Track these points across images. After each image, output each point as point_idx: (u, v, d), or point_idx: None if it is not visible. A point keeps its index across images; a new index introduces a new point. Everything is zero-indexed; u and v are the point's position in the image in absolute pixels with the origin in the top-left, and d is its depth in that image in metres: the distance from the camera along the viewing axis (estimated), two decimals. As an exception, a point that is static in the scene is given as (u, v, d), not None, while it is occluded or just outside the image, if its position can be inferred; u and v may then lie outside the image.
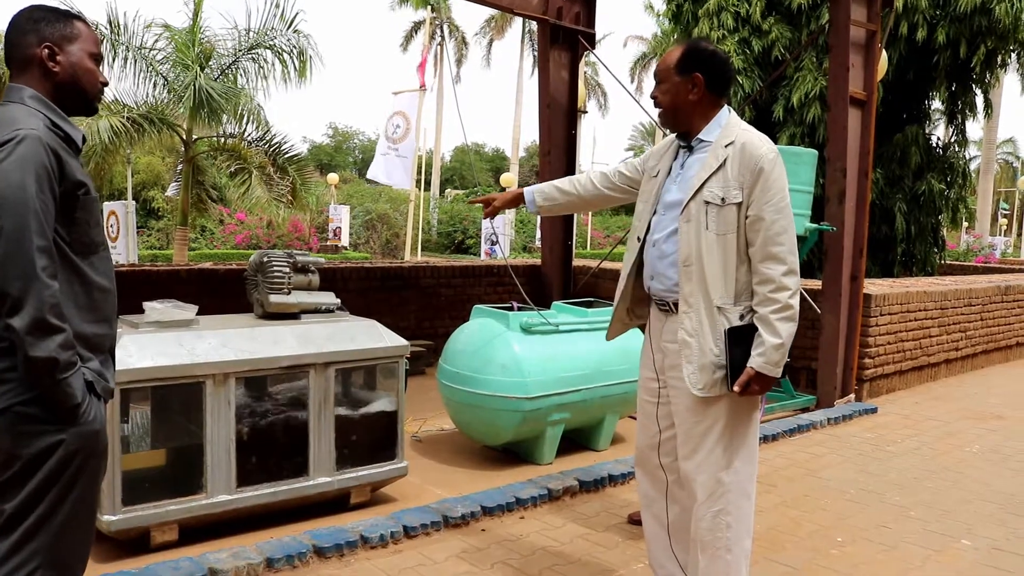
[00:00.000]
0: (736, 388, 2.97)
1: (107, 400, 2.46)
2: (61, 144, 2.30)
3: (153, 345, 3.87)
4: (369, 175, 18.48)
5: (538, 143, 9.43)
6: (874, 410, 7.33)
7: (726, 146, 3.04)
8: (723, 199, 3.00)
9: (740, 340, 2.99)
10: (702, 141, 3.13)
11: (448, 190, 51.13)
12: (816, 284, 7.94)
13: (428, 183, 38.79)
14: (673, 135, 3.29)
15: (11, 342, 2.21)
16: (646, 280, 3.29)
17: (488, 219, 3.84)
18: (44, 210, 2.20)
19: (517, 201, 3.75)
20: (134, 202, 18.15)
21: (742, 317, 3.00)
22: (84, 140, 2.46)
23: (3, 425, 2.24)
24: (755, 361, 2.94)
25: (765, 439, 6.15)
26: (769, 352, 2.93)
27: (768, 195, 2.96)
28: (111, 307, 2.48)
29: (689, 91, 3.10)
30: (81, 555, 2.41)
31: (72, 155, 2.34)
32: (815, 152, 7.34)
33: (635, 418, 3.60)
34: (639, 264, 3.32)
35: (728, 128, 3.10)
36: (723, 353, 3.00)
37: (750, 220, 2.98)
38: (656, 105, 3.21)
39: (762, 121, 12.31)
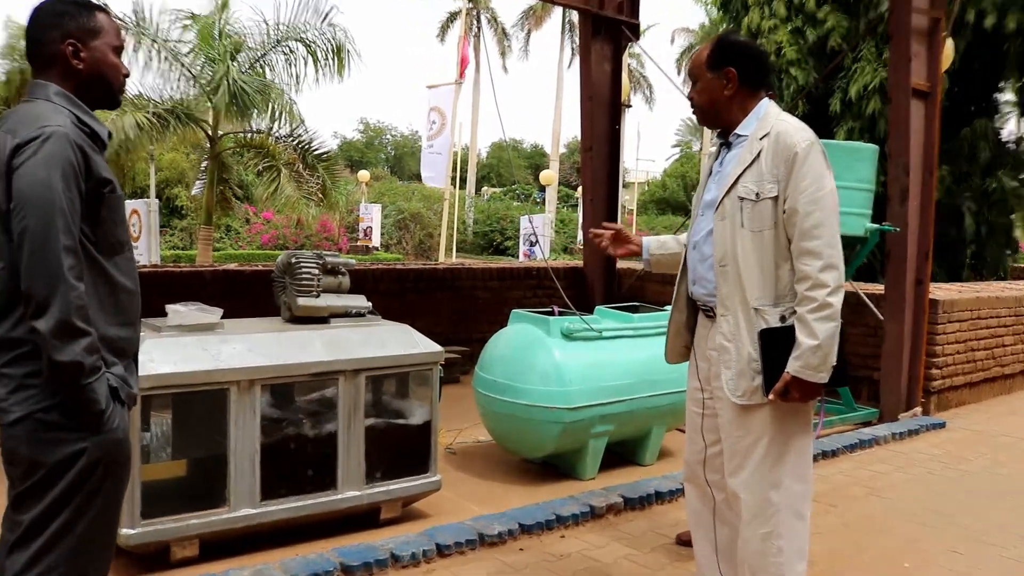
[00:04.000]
0: (771, 395, 2.95)
1: (131, 407, 2.48)
2: (87, 141, 2.33)
3: (176, 350, 3.90)
4: (425, 180, 18.62)
5: (579, 139, 9.40)
6: (942, 425, 7.20)
7: (761, 138, 3.05)
8: (757, 194, 3.00)
9: (777, 343, 2.96)
10: (739, 136, 3.16)
11: (484, 188, 51.28)
12: (878, 289, 7.83)
13: (464, 180, 38.91)
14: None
15: (34, 345, 2.24)
16: (689, 285, 3.31)
17: (603, 247, 3.64)
18: (71, 208, 2.23)
19: (634, 253, 3.66)
20: (157, 200, 18.37)
21: (783, 319, 2.98)
22: (110, 136, 2.49)
23: (24, 432, 2.26)
24: (792, 365, 2.92)
25: (824, 455, 6.07)
26: (806, 355, 2.89)
27: (802, 185, 2.94)
28: (136, 310, 2.50)
29: (723, 87, 3.14)
30: (102, 569, 2.43)
31: (98, 152, 2.38)
32: (875, 147, 7.24)
33: (684, 431, 3.57)
34: (687, 269, 3.34)
35: (764, 120, 3.10)
36: (760, 357, 2.99)
37: (787, 214, 2.97)
38: (693, 106, 3.26)
39: (818, 116, 12.17)
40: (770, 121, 3.07)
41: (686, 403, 3.43)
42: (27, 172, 2.20)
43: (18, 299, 2.23)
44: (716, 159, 3.27)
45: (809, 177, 2.94)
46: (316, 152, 17.24)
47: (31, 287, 2.18)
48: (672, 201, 44.76)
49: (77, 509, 2.30)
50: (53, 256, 2.18)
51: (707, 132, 36.13)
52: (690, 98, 3.25)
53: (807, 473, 3.10)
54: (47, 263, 2.18)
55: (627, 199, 38.78)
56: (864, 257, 7.51)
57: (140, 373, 2.66)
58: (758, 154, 3.02)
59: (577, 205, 36.69)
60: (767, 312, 2.99)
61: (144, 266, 8.18)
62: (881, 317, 7.29)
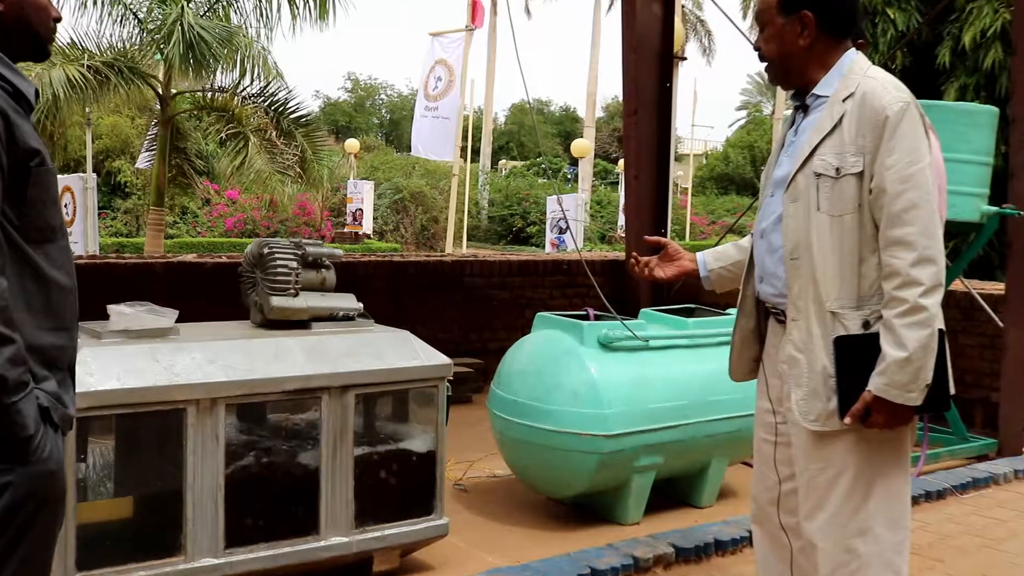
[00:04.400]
0: (848, 419, 2.94)
1: (66, 431, 2.49)
2: (8, 102, 2.31)
3: (120, 361, 3.92)
4: (414, 151, 18.55)
5: (621, 100, 9.39)
6: (1077, 459, 7.16)
7: (844, 100, 3.03)
8: (838, 169, 2.99)
9: (858, 354, 2.95)
10: (818, 97, 3.14)
11: (502, 162, 51.30)
12: (997, 288, 7.79)
13: (476, 152, 38.98)
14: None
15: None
16: (756, 284, 3.30)
17: (645, 271, 3.66)
18: None
19: (686, 272, 3.64)
20: (95, 175, 18.43)
21: (866, 325, 2.97)
22: (37, 96, 2.49)
23: (-66, 463, 2.27)
24: (874, 383, 2.90)
25: (927, 496, 6.05)
26: (892, 370, 2.87)
27: (891, 158, 2.92)
28: (72, 311, 2.50)
29: (798, 35, 3.12)
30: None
31: (23, 116, 2.34)
32: (995, 110, 7.19)
33: (750, 464, 3.57)
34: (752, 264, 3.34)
35: (849, 77, 3.08)
36: (836, 372, 2.98)
37: (873, 194, 2.96)
38: (761, 58, 3.24)
39: (922, 69, 12.13)
40: (856, 78, 3.06)
41: (755, 429, 3.42)
42: None
43: None
44: (791, 126, 3.26)
45: (901, 148, 2.92)
46: (293, 116, 17.28)
47: (-61, 284, 2.18)
48: (736, 178, 44.66)
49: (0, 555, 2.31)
50: (-33, 246, 2.18)
51: (781, 92, 36.01)
52: (757, 48, 3.24)
53: (903, 519, 3.09)
54: (-41, 254, 2.18)
55: (680, 175, 38.70)
56: (979, 248, 7.47)
57: (77, 390, 2.67)
58: (840, 119, 3.01)
59: (618, 183, 36.61)
60: (847, 316, 2.98)
61: (80, 257, 8.23)
62: (1001, 324, 7.25)
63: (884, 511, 3.04)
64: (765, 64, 3.24)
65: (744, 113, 61.03)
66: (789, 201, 3.09)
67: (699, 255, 3.65)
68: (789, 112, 3.36)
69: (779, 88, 3.87)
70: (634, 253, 3.77)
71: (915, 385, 2.87)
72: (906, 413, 2.93)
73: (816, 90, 3.14)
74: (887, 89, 2.99)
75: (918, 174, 2.91)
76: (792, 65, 3.17)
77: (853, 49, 3.16)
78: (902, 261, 2.88)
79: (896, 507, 3.07)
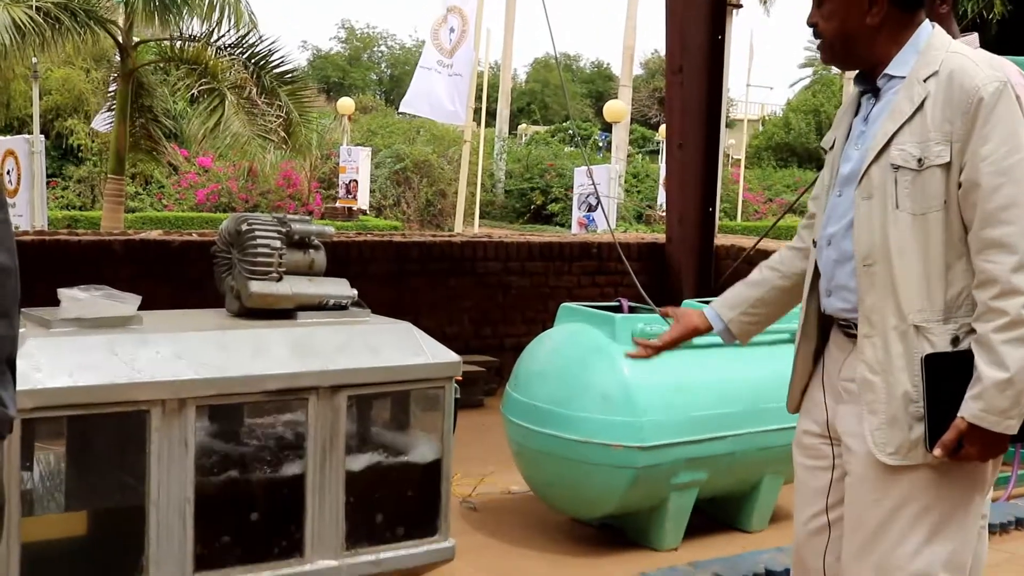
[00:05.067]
0: (938, 450, 2.88)
1: (4, 435, 2.51)
2: None
3: (72, 354, 3.93)
4: (404, 106, 18.49)
5: (664, 55, 9.38)
6: None
7: (925, 80, 2.98)
8: (920, 160, 2.94)
9: (949, 374, 2.91)
10: (891, 78, 3.10)
11: (522, 126, 51.24)
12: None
13: (492, 115, 38.96)
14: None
15: None
16: (822, 297, 3.25)
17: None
18: None
19: (693, 329, 3.69)
20: (43, 137, 18.49)
21: (955, 341, 2.93)
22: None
23: None
24: (968, 408, 2.84)
25: (1017, 524, 6.05)
26: (990, 394, 2.82)
27: (987, 147, 2.87)
28: (12, 295, 2.52)
29: (865, 11, 3.07)
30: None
31: None
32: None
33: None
34: (818, 276, 3.29)
35: (928, 53, 3.03)
36: (922, 395, 2.93)
37: (963, 189, 2.91)
38: (816, 35, 3.19)
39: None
40: (937, 55, 3.01)
41: (794, 455, 3.41)
42: None
43: None
44: (856, 113, 3.23)
45: (998, 135, 2.87)
46: (277, 70, 17.31)
47: None
48: (799, 148, 44.53)
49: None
50: None
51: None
52: (812, 24, 3.18)
53: (966, 560, 3.05)
54: None
55: (732, 144, 38.66)
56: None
57: (20, 386, 2.69)
58: (922, 103, 2.96)
59: (658, 152, 36.54)
60: (933, 331, 2.94)
61: (25, 232, 8.28)
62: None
63: (950, 555, 3.00)
64: (821, 42, 3.20)
65: (809, 72, 60.64)
66: (862, 199, 3.04)
67: (707, 309, 3.65)
68: (852, 95, 3.30)
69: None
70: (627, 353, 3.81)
71: (1016, 411, 2.83)
72: (1002, 443, 2.89)
73: (888, 70, 3.09)
74: (979, 67, 2.94)
75: (1017, 165, 2.86)
76: (857, 46, 3.12)
77: (928, 21, 3.12)
78: (1000, 267, 2.83)
79: (964, 550, 3.03)
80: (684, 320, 3.69)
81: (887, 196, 2.98)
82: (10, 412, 2.48)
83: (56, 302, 4.17)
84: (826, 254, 3.21)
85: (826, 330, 3.32)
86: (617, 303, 5.82)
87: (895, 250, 2.96)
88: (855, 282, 3.07)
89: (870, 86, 3.16)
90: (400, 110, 20.53)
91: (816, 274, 3.28)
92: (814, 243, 3.29)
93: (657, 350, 3.74)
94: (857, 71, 3.22)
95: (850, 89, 3.38)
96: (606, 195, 24.85)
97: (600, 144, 43.35)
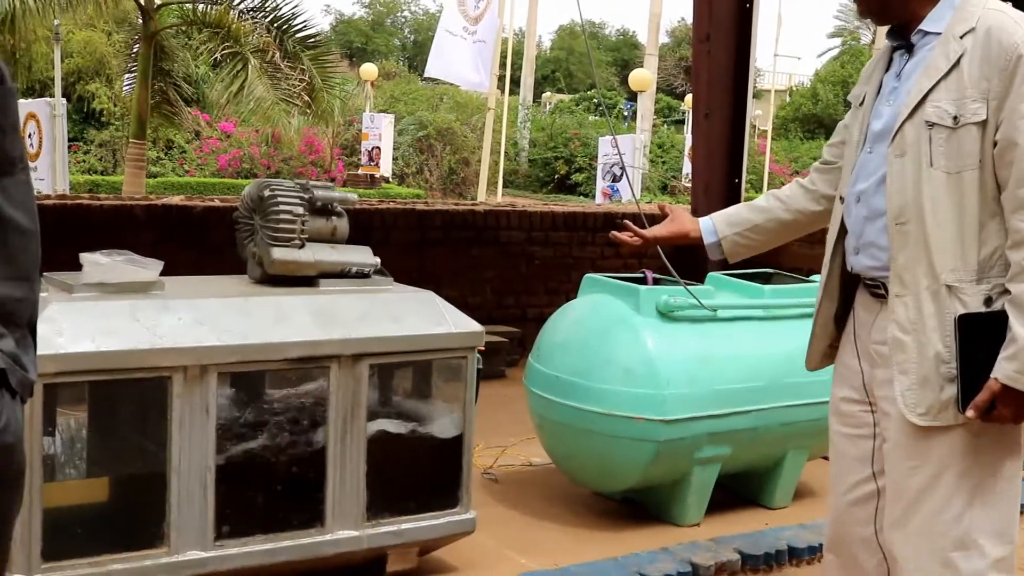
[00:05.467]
0: (970, 411, 2.91)
1: (25, 399, 2.50)
2: None
3: (95, 319, 3.94)
4: (429, 71, 18.44)
5: (691, 22, 9.32)
6: None
7: (962, 36, 2.99)
8: (956, 117, 2.95)
9: (981, 336, 2.93)
10: (926, 34, 3.11)
11: (546, 94, 51.15)
12: None
13: (516, 83, 38.84)
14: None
15: None
16: (849, 255, 3.27)
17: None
18: None
19: (684, 233, 3.71)
20: (64, 100, 18.50)
21: (988, 301, 2.95)
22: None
23: None
24: (1002, 369, 2.87)
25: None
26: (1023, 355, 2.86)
27: (1023, 106, 2.89)
28: (33, 258, 2.50)
29: None
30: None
31: None
32: None
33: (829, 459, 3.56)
34: (843, 233, 3.30)
35: (965, 9, 3.04)
36: (954, 356, 2.95)
37: (999, 147, 2.92)
38: None
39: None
40: (974, 11, 3.02)
41: (830, 422, 3.42)
42: None
43: None
44: (887, 68, 3.23)
45: None
46: (300, 35, 17.29)
47: None
48: (826, 119, 44.24)
49: (-50, 542, 2.33)
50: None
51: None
52: None
53: (1010, 530, 3.07)
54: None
55: (759, 114, 38.45)
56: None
57: (40, 351, 2.68)
58: (958, 59, 2.97)
59: (684, 121, 36.42)
60: (966, 291, 2.96)
61: (47, 196, 8.30)
62: None
63: (991, 520, 3.02)
64: None
65: (838, 42, 60.41)
66: (895, 156, 3.05)
67: (704, 220, 3.65)
68: (882, 51, 3.31)
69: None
70: (615, 233, 3.78)
71: None
72: None
73: (923, 26, 3.10)
74: (1018, 24, 2.95)
75: None
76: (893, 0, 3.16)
77: None
78: None
79: (1006, 515, 3.05)
80: (678, 221, 3.71)
81: (921, 154, 3.00)
82: (31, 376, 2.47)
83: (78, 267, 4.17)
84: (855, 211, 3.22)
85: (848, 289, 3.35)
86: (641, 275, 5.79)
87: (928, 209, 2.98)
88: (885, 240, 3.09)
89: (904, 41, 3.17)
90: (425, 75, 20.42)
91: (842, 231, 3.30)
92: (841, 199, 3.31)
93: (643, 240, 3.74)
94: (889, 26, 3.23)
95: (868, 71, 3.35)
96: (631, 165, 24.82)
97: (625, 113, 43.24)
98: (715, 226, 3.63)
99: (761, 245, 3.68)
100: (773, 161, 34.90)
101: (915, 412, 2.99)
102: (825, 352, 3.45)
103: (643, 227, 3.75)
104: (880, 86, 3.24)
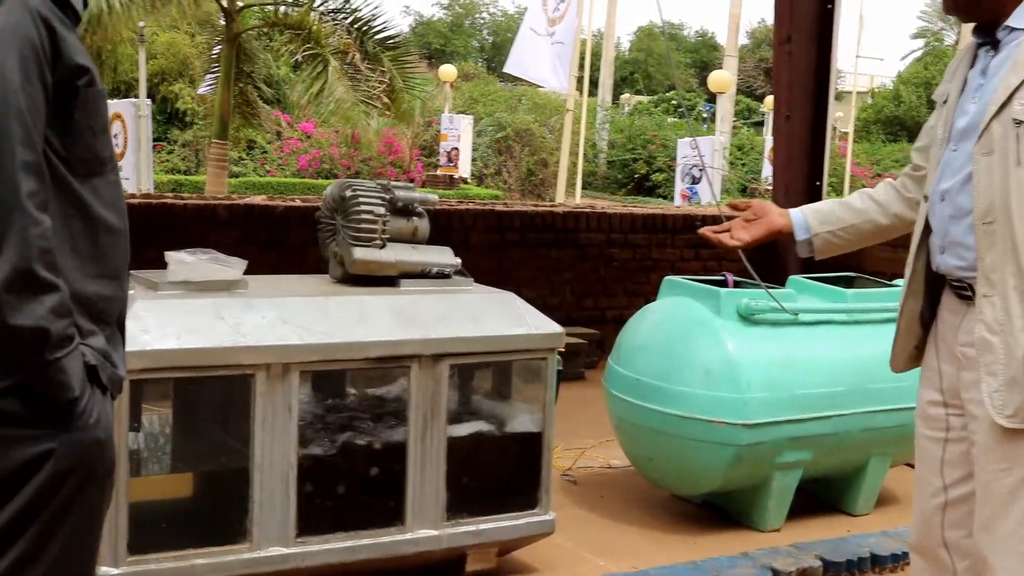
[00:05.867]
0: None
1: (115, 395, 2.52)
2: (54, 10, 2.30)
3: (180, 317, 3.99)
4: (508, 67, 18.47)
5: (771, 24, 9.26)
6: None
7: None
8: None
9: None
10: (1012, 30, 3.07)
11: (625, 95, 51.03)
12: None
13: (594, 84, 38.78)
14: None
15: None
16: (934, 254, 3.24)
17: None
18: (32, 108, 2.22)
19: (776, 230, 3.63)
20: (149, 101, 18.68)
21: None
22: (85, 5, 2.50)
23: (-32, 427, 2.32)
24: None
25: None
26: None
27: None
28: (123, 256, 2.52)
29: None
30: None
31: (70, 28, 2.33)
32: None
33: (914, 467, 3.52)
34: (927, 232, 3.27)
35: None
36: None
37: None
38: None
39: None
40: None
41: (916, 425, 3.38)
42: None
43: None
44: (972, 66, 3.20)
45: None
46: (380, 36, 17.37)
47: (-28, 221, 2.20)
48: (909, 121, 43.77)
49: (40, 535, 2.34)
50: (6, 177, 2.17)
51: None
52: None
53: None
54: (-3, 187, 2.20)
55: (840, 116, 38.11)
56: None
57: (129, 348, 2.70)
58: None
59: (763, 123, 36.17)
60: None
61: (132, 196, 8.38)
62: None
63: None
64: None
65: (921, 43, 59.75)
66: (981, 154, 3.01)
67: (795, 212, 3.59)
68: (966, 48, 3.27)
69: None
70: (704, 228, 3.72)
71: None
72: None
73: (1010, 22, 3.07)
74: None
75: None
76: None
77: None
78: None
79: None
80: (767, 220, 3.62)
81: (1008, 152, 2.97)
82: (120, 372, 2.50)
83: (162, 265, 4.22)
84: (939, 210, 3.19)
85: (933, 288, 3.31)
86: (722, 277, 5.76)
87: (1016, 208, 2.94)
88: (972, 239, 3.06)
89: (989, 38, 3.13)
90: (504, 70, 20.43)
91: (926, 230, 3.26)
92: (925, 198, 3.28)
93: (741, 244, 3.64)
94: (975, 23, 3.19)
95: (953, 67, 3.31)
96: (710, 166, 24.69)
97: (704, 115, 43.01)
98: (807, 222, 3.57)
99: (851, 245, 3.63)
100: (854, 164, 34.53)
101: (1003, 414, 2.96)
102: (911, 353, 3.41)
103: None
104: (964, 83, 3.20)
